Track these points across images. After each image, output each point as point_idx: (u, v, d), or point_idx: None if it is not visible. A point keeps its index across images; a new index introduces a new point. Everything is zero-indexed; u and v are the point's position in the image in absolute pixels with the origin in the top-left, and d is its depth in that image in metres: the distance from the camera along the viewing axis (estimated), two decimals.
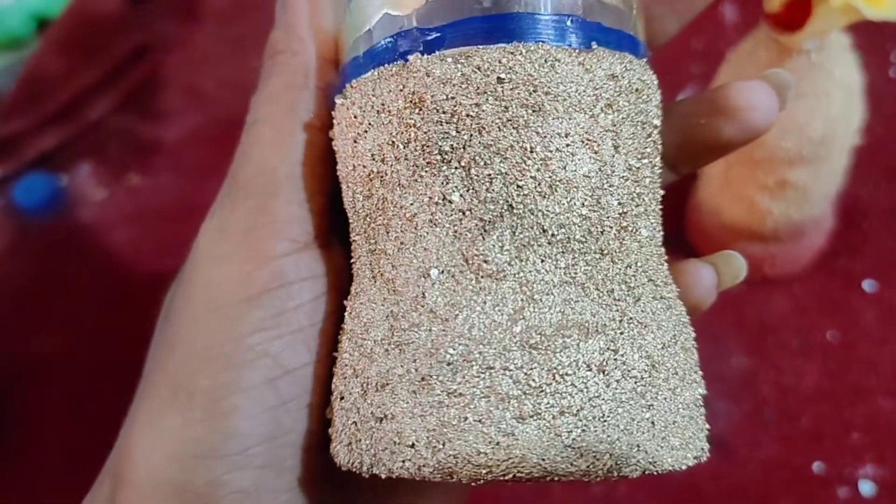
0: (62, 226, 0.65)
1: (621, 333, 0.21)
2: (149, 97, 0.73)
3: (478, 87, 0.20)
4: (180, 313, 0.23)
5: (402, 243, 0.21)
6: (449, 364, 0.20)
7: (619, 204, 0.21)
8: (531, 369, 0.19)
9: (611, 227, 0.21)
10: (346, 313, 0.23)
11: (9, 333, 0.59)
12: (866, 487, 0.43)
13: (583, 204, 0.21)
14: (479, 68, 0.20)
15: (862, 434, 0.45)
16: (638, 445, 0.20)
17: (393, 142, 0.21)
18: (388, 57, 0.21)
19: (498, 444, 0.19)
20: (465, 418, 0.19)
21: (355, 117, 0.22)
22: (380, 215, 0.22)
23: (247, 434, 0.21)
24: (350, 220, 0.23)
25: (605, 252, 0.21)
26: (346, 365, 0.22)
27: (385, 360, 0.21)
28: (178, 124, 0.70)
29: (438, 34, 0.21)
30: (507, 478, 0.19)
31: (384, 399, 0.20)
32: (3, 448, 0.53)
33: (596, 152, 0.21)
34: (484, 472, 0.19)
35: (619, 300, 0.21)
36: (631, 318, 0.21)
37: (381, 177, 0.21)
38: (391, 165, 0.21)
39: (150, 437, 0.22)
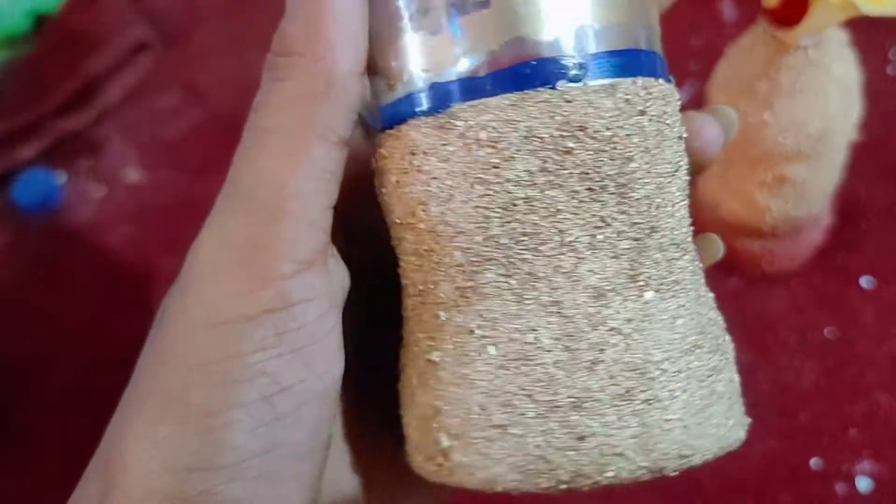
0: (61, 224, 0.65)
1: (715, 324, 0.24)
2: (148, 94, 0.73)
3: (628, 118, 0.22)
4: (176, 325, 0.22)
5: (558, 266, 0.22)
6: (645, 374, 0.22)
7: (688, 213, 0.24)
8: (700, 367, 0.23)
9: (689, 235, 0.24)
10: (476, 342, 0.22)
11: (7, 331, 0.59)
12: (864, 484, 0.43)
13: (684, 216, 0.24)
14: (628, 101, 0.22)
15: (860, 430, 0.45)
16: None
17: (545, 168, 0.21)
18: (530, 82, 0.21)
19: (699, 435, 0.22)
20: (668, 420, 0.22)
21: (495, 142, 0.22)
22: (526, 240, 0.22)
23: (241, 447, 0.21)
24: (459, 246, 0.23)
25: (695, 259, 0.24)
26: (505, 392, 0.22)
27: (576, 381, 0.22)
28: (177, 121, 0.70)
29: (592, 63, 0.22)
30: (698, 464, 0.22)
31: (584, 419, 0.21)
32: (0, 445, 0.53)
33: (682, 172, 0.24)
34: (685, 462, 0.22)
35: (707, 296, 0.25)
36: (713, 313, 0.25)
37: (530, 203, 0.22)
38: (544, 192, 0.22)
39: (143, 446, 0.22)
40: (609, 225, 0.22)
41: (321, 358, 0.23)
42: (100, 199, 0.66)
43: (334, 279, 0.23)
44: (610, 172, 0.22)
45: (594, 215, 0.22)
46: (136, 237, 0.63)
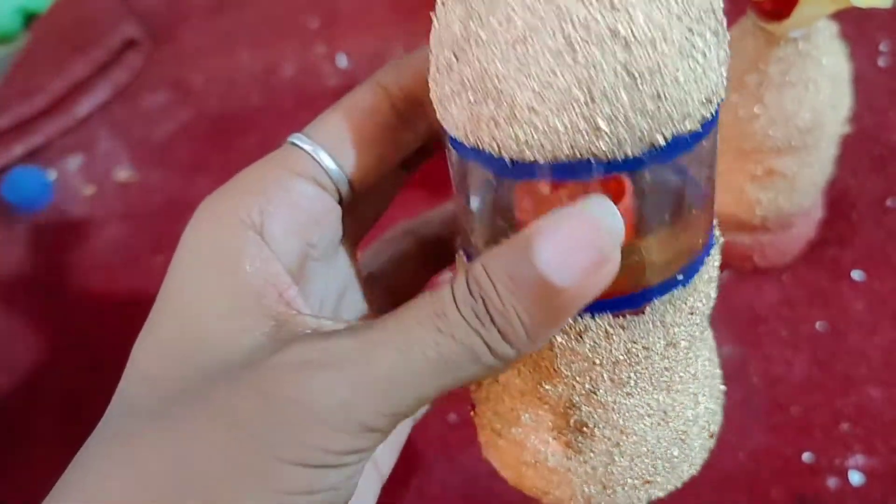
0: (50, 222, 0.64)
1: None
2: (138, 92, 0.73)
3: None
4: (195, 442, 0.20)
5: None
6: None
7: None
8: None
9: None
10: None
11: None
12: (856, 477, 0.43)
13: None
14: None
15: (851, 424, 0.45)
16: None
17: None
18: None
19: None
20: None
21: None
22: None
23: None
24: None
25: None
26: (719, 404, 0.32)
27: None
28: (166, 120, 0.70)
29: None
30: None
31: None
32: None
33: None
34: None
35: None
36: None
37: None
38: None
39: None
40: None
41: None
42: (89, 198, 0.65)
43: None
44: None
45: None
46: (125, 235, 0.63)
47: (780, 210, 0.47)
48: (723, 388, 0.33)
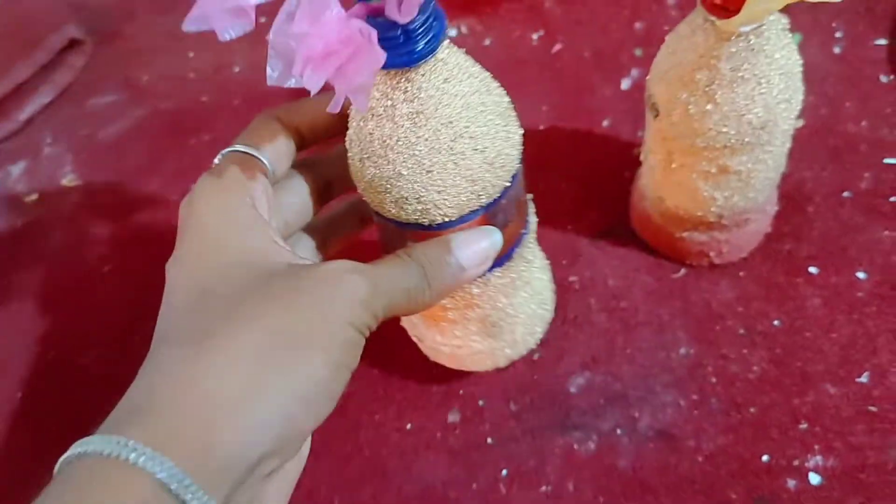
0: None
1: None
2: (83, 93, 0.71)
3: None
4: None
5: None
6: None
7: None
8: None
9: None
10: None
11: None
12: (815, 478, 0.43)
13: None
14: None
15: (809, 423, 0.44)
16: None
17: None
18: None
19: None
20: None
21: None
22: None
23: None
24: None
25: None
26: None
27: None
28: (113, 121, 0.69)
29: None
30: None
31: None
32: None
33: None
34: None
35: None
36: None
37: None
38: None
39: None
40: None
41: None
42: (34, 203, 0.64)
43: None
44: None
45: None
46: (73, 240, 0.61)
47: (735, 207, 0.46)
48: (549, 269, 0.48)
